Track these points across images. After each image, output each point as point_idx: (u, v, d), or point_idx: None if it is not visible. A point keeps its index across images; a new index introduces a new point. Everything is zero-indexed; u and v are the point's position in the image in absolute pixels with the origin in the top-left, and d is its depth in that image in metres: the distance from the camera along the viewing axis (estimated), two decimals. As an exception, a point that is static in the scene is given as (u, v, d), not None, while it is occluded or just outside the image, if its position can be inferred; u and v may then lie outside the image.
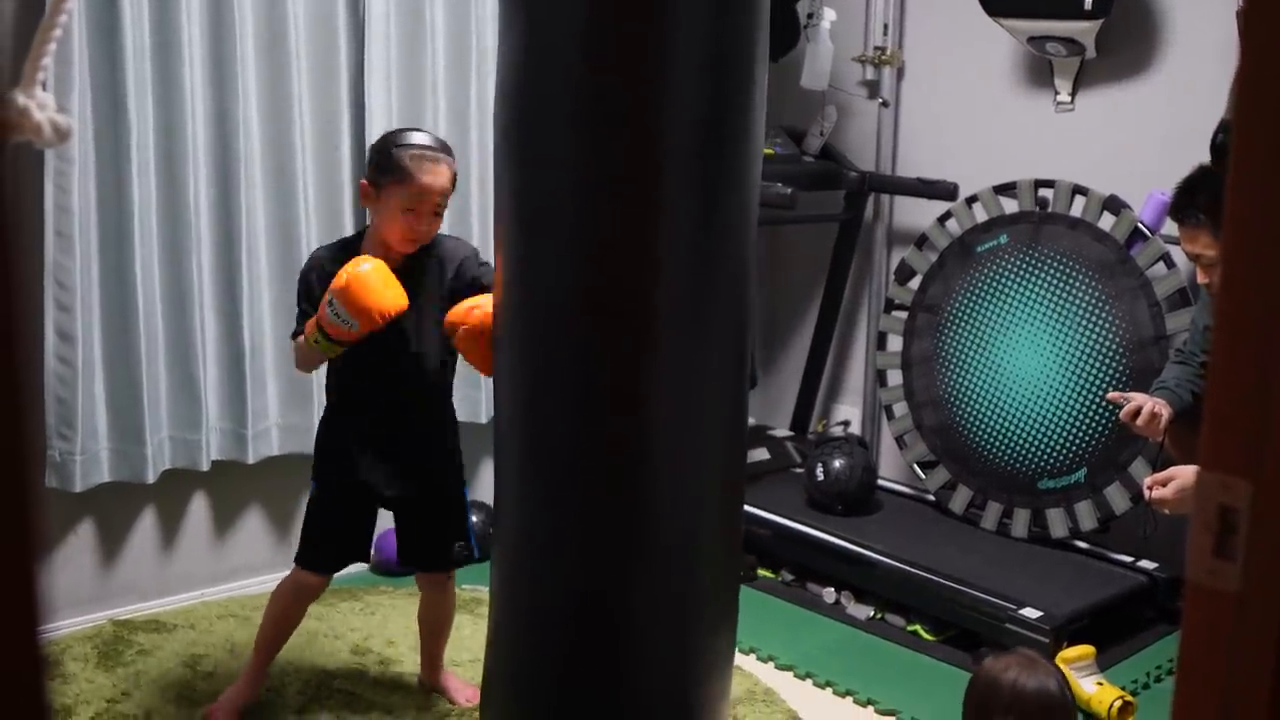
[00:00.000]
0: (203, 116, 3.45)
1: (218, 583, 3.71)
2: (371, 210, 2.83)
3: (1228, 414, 0.87)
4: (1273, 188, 0.83)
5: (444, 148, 2.82)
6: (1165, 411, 2.97)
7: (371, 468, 2.87)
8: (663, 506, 2.11)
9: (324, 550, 2.93)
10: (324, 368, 2.96)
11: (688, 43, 1.96)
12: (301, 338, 2.75)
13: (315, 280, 2.79)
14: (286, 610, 2.97)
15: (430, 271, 2.82)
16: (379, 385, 2.85)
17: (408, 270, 2.74)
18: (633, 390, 2.06)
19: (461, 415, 4.10)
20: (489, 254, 2.87)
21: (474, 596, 3.68)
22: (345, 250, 2.83)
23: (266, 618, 2.99)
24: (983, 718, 2.15)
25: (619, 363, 2.05)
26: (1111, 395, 3.10)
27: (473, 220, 3.88)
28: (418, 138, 2.80)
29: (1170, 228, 3.54)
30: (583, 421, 2.08)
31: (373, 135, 3.70)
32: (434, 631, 3.10)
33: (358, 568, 3.93)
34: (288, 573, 3.01)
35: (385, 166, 2.73)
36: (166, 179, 3.40)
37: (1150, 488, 2.74)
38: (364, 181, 2.80)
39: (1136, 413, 2.96)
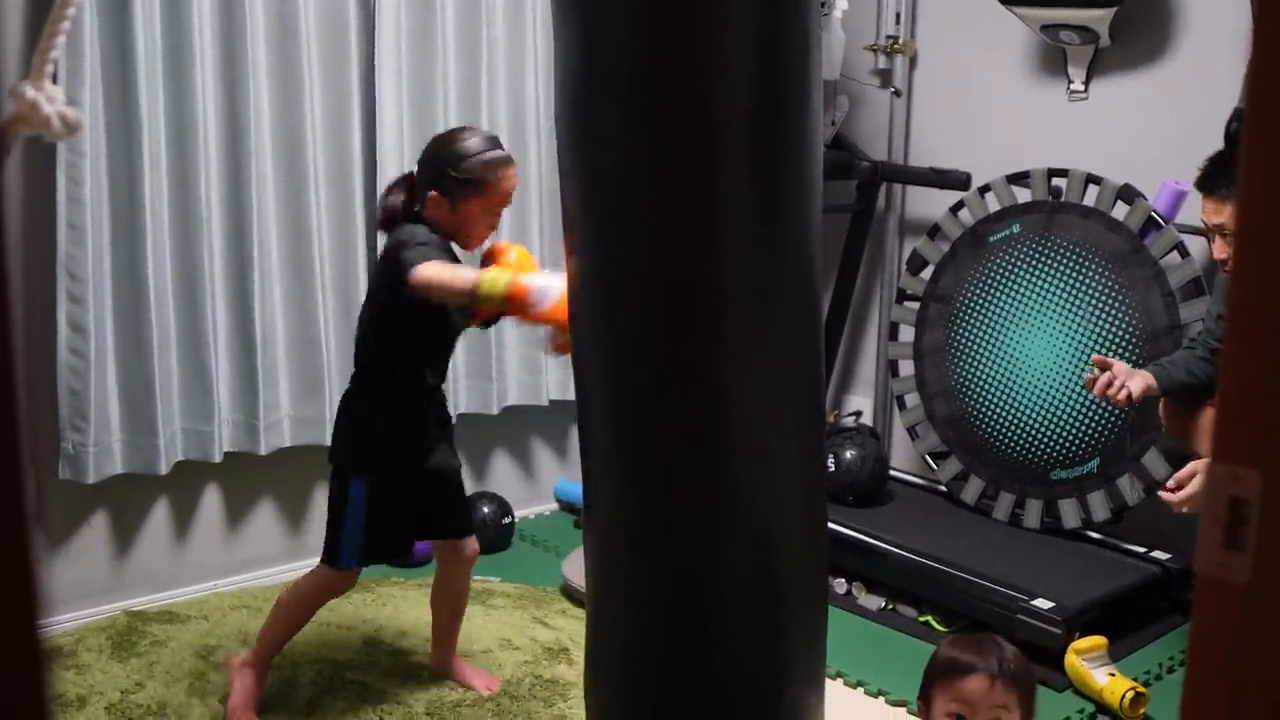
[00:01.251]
0: (214, 109, 3.46)
1: (230, 574, 3.73)
2: (441, 216, 2.77)
3: (1238, 405, 0.87)
4: (1284, 177, 0.82)
5: (499, 143, 2.84)
6: (1134, 387, 3.03)
7: (428, 450, 2.92)
8: (744, 492, 2.14)
9: (380, 545, 2.89)
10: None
11: (741, 31, 1.98)
12: (463, 275, 2.61)
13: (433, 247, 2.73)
14: (310, 611, 2.97)
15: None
16: (438, 369, 2.91)
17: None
18: (706, 378, 2.09)
19: (472, 407, 4.12)
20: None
21: (485, 587, 3.69)
22: (444, 240, 2.79)
23: (285, 619, 2.94)
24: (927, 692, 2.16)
25: (692, 352, 2.09)
26: (1096, 358, 3.14)
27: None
28: (478, 143, 2.78)
29: (1184, 216, 3.53)
30: (661, 411, 2.12)
31: (383, 128, 3.71)
32: (455, 612, 3.10)
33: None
34: (302, 565, 3.00)
35: (462, 179, 2.74)
36: (178, 171, 3.41)
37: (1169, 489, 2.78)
38: (434, 194, 2.75)
39: (1102, 383, 3.05)
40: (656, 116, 2.02)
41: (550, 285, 2.52)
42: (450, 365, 3.00)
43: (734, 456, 2.13)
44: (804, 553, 2.26)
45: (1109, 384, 3.04)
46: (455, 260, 2.77)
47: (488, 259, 2.82)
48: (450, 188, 2.75)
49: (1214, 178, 2.88)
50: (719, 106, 2.01)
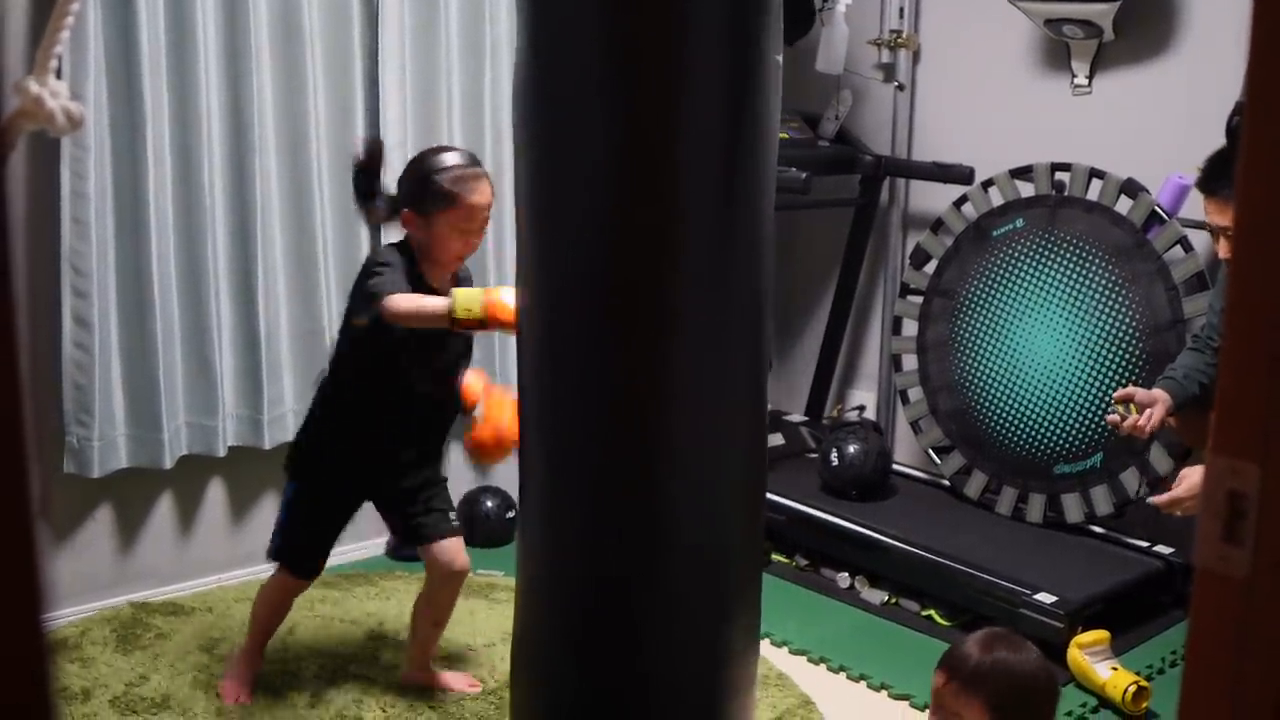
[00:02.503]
0: (218, 103, 3.46)
1: (234, 568, 3.73)
2: (418, 238, 2.78)
3: (1237, 399, 0.87)
4: (1282, 172, 0.82)
5: (475, 160, 2.85)
6: (1157, 415, 2.97)
7: (395, 470, 2.91)
8: (683, 492, 2.12)
9: (316, 558, 2.97)
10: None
11: (703, 23, 1.97)
12: (433, 302, 2.64)
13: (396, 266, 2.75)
14: (279, 609, 3.03)
15: (461, 280, 2.91)
16: (432, 390, 2.87)
17: (454, 283, 2.83)
18: (651, 377, 2.07)
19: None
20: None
21: (488, 581, 3.70)
22: (407, 261, 2.78)
23: (262, 613, 3.03)
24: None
25: (637, 350, 2.06)
26: (1118, 394, 3.08)
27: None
28: (453, 158, 2.80)
29: (1188, 211, 3.53)
30: (602, 409, 2.09)
31: (387, 124, 3.71)
32: (437, 621, 3.05)
33: (375, 553, 3.95)
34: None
35: (429, 195, 2.73)
36: (182, 166, 3.41)
37: (1160, 484, 2.74)
38: (406, 211, 2.77)
39: (1130, 424, 2.99)
40: (611, 102, 2.00)
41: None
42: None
43: (671, 452, 2.10)
44: (740, 552, 2.23)
45: (1135, 425, 2.97)
46: (416, 283, 2.75)
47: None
48: (420, 204, 2.75)
49: (1217, 178, 2.87)
50: (678, 93, 1.98)
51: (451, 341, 2.82)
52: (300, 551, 2.94)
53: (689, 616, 2.16)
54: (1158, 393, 3.01)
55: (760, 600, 2.34)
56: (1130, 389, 3.05)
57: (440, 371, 2.86)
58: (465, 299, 2.56)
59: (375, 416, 2.85)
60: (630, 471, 2.10)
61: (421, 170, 2.79)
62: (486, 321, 2.55)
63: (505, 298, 2.51)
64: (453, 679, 3.09)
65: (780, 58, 2.11)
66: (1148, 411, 2.96)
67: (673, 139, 1.99)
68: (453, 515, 2.99)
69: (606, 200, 2.02)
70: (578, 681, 2.20)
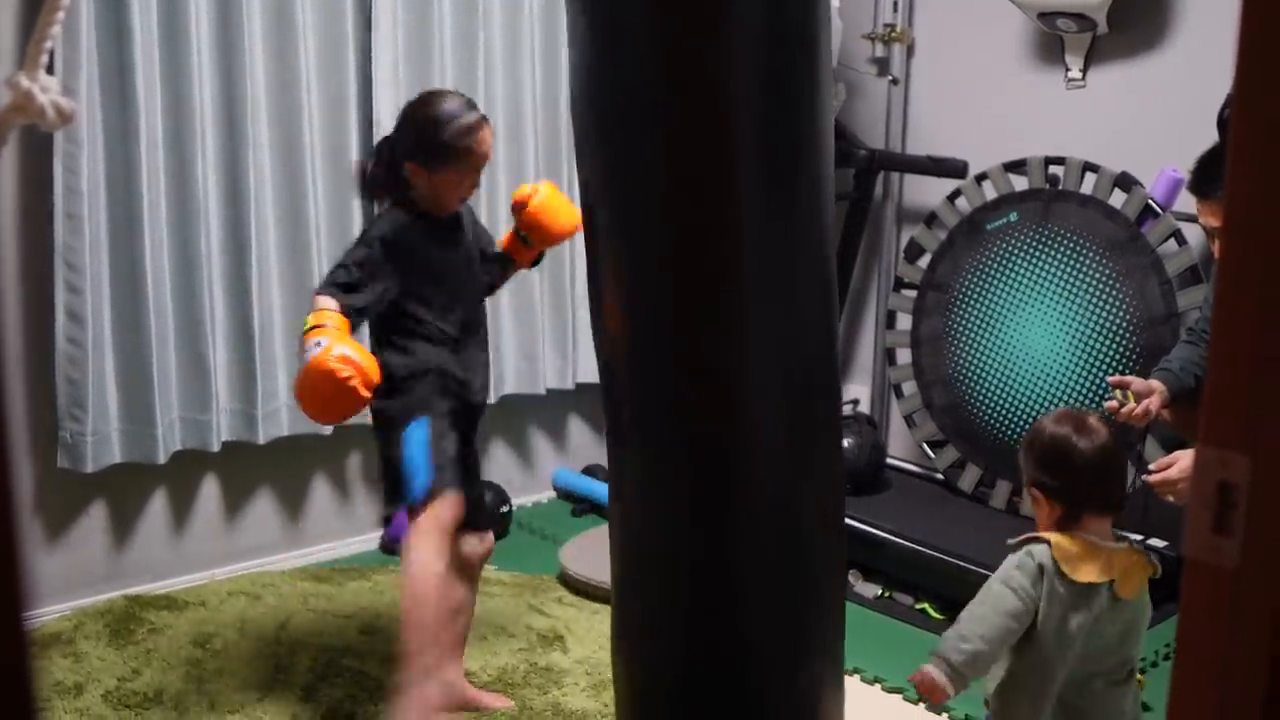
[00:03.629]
0: (210, 97, 3.45)
1: (229, 563, 3.73)
2: (420, 184, 2.77)
3: (1227, 390, 0.87)
4: (1271, 164, 0.82)
5: (473, 105, 2.83)
6: (1154, 405, 2.96)
7: (461, 413, 2.84)
8: (760, 467, 2.16)
9: (454, 470, 2.76)
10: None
11: (752, 18, 2.01)
12: (319, 303, 2.65)
13: (391, 247, 2.72)
14: (447, 573, 2.72)
15: (466, 222, 2.94)
16: (455, 325, 2.83)
17: (456, 225, 2.88)
18: (721, 369, 2.12)
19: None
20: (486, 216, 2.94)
21: (494, 578, 3.70)
22: (415, 217, 2.77)
23: (435, 604, 2.66)
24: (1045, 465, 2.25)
25: (708, 343, 2.11)
26: (1111, 379, 3.07)
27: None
28: (453, 106, 2.77)
29: (1182, 204, 3.53)
30: (681, 395, 2.14)
31: (380, 114, 3.71)
32: (462, 623, 2.95)
33: (368, 547, 3.96)
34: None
35: (439, 150, 2.72)
36: (175, 160, 3.41)
37: (1153, 473, 2.73)
38: (409, 164, 2.74)
39: (1128, 411, 2.97)
40: (669, 109, 2.04)
41: (312, 356, 2.51)
42: (481, 342, 2.92)
43: (750, 448, 2.15)
44: (822, 541, 2.27)
45: (1132, 413, 2.94)
46: (421, 230, 2.77)
47: (516, 208, 2.98)
48: (426, 158, 2.74)
49: (1208, 180, 2.87)
50: (731, 97, 2.03)
51: (449, 275, 2.83)
52: (446, 467, 2.71)
53: (779, 603, 2.20)
54: (1154, 383, 3.01)
55: (846, 570, 2.39)
56: (1126, 377, 3.05)
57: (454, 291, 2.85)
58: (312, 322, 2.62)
59: (425, 341, 2.80)
60: (713, 450, 2.14)
61: (424, 122, 2.76)
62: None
63: (307, 348, 2.54)
64: (478, 694, 2.99)
65: (830, 41, 2.15)
66: (1145, 401, 2.96)
67: (729, 125, 2.03)
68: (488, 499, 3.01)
69: (668, 188, 2.07)
70: (683, 648, 2.23)
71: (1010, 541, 2.26)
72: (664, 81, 2.05)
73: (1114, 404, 2.96)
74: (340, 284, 2.69)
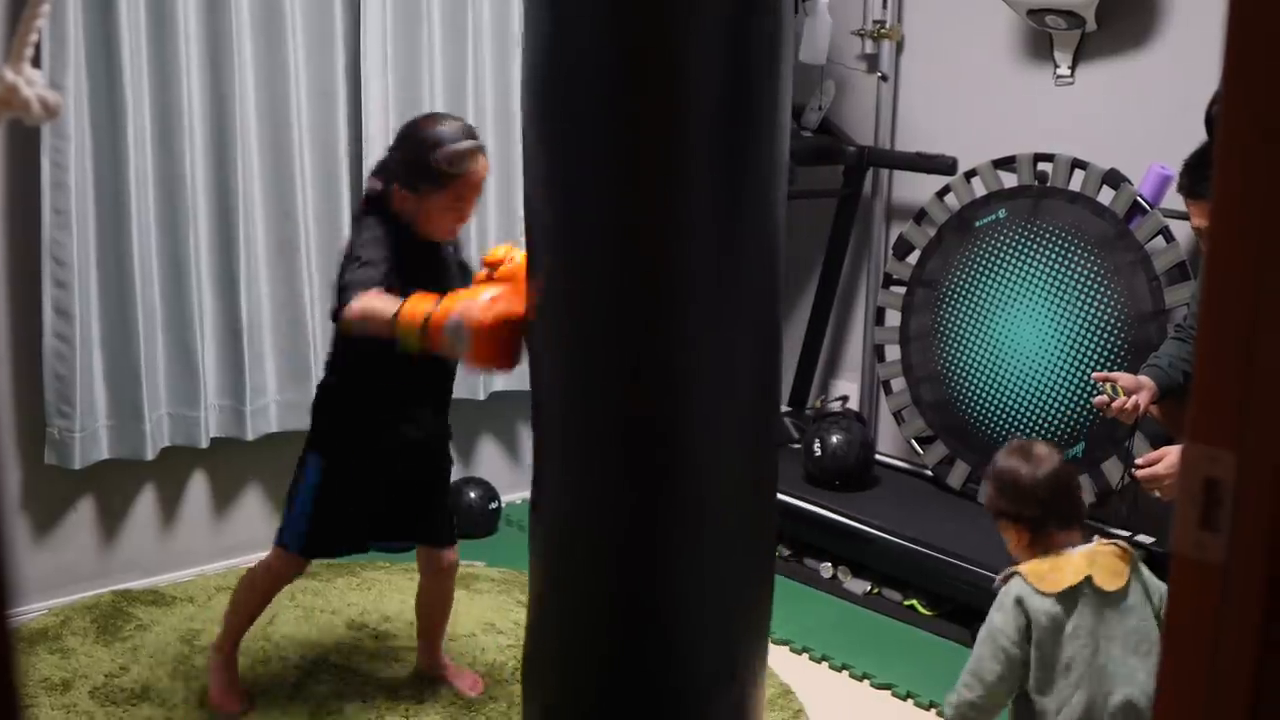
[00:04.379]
0: (199, 92, 3.44)
1: (217, 559, 3.72)
2: (408, 210, 2.69)
3: (1213, 387, 0.87)
4: (1259, 162, 0.83)
5: (472, 132, 2.75)
6: (1143, 400, 2.95)
7: (403, 452, 2.82)
8: (698, 477, 2.14)
9: (328, 540, 2.84)
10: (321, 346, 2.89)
11: (711, 21, 1.98)
12: (381, 306, 2.49)
13: (377, 256, 2.62)
14: (261, 594, 2.91)
15: (448, 256, 2.85)
16: (421, 369, 2.75)
17: (439, 254, 2.77)
18: (665, 363, 2.09)
19: (460, 392, 4.11)
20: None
21: (470, 572, 3.70)
22: (400, 235, 2.67)
23: (240, 602, 2.91)
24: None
25: (651, 336, 2.08)
26: (1097, 375, 3.06)
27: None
28: (449, 132, 2.69)
29: (1170, 201, 3.53)
30: (618, 393, 2.12)
31: (370, 109, 3.70)
32: (440, 615, 3.06)
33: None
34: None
35: (428, 174, 2.64)
36: (163, 155, 3.39)
37: (1141, 467, 2.73)
38: (396, 186, 2.67)
39: (1119, 406, 2.95)
40: (623, 103, 2.01)
41: (470, 314, 2.37)
42: (450, 380, 2.91)
43: (686, 436, 2.12)
44: (752, 532, 2.25)
45: (1122, 408, 2.93)
46: (408, 250, 2.67)
47: (487, 265, 2.70)
48: (415, 181, 2.65)
49: (1197, 180, 2.86)
50: (686, 94, 2.00)
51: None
52: (320, 533, 2.79)
53: (710, 598, 2.18)
54: (1143, 379, 3.00)
55: (773, 586, 2.36)
56: (1116, 375, 3.03)
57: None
58: (408, 316, 2.43)
59: (382, 376, 2.75)
60: (649, 456, 2.12)
61: (416, 144, 2.68)
62: (429, 344, 2.42)
63: (451, 318, 2.38)
64: (456, 674, 3.07)
65: (790, 45, 2.12)
66: (1134, 396, 2.95)
67: (682, 127, 2.00)
68: (453, 520, 3.02)
69: (618, 186, 2.04)
70: (586, 681, 2.22)
71: (995, 584, 2.40)
72: (618, 76, 2.01)
73: (1103, 399, 2.95)
74: (376, 281, 2.57)
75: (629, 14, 1.99)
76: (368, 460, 2.79)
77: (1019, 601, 2.29)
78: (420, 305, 2.43)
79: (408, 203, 2.68)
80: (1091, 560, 2.29)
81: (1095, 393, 3.03)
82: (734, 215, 2.07)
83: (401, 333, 2.45)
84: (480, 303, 2.39)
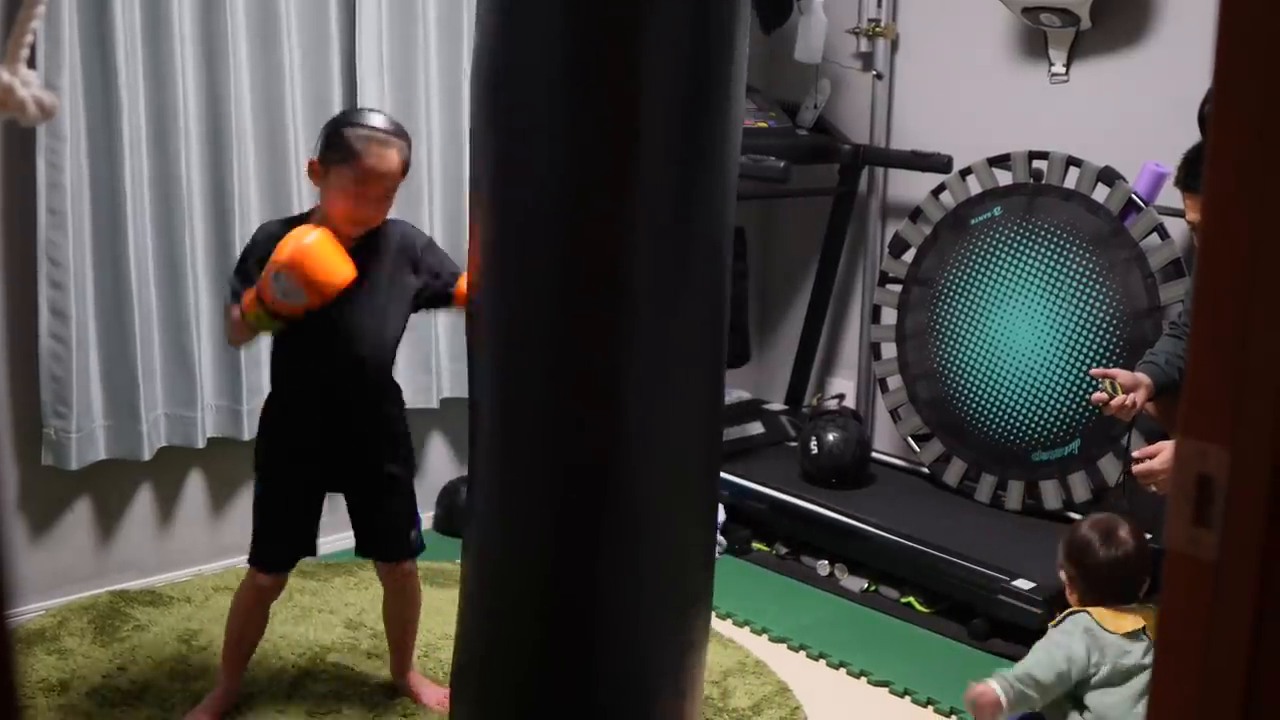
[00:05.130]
0: (194, 91, 3.44)
1: (214, 559, 3.72)
2: (319, 189, 2.69)
3: (1206, 383, 0.88)
4: (1250, 160, 0.83)
5: (398, 132, 2.69)
6: (1140, 398, 2.95)
7: (320, 454, 2.77)
8: (635, 484, 2.11)
9: (277, 547, 2.81)
10: (266, 349, 2.87)
11: (669, 11, 1.96)
12: (236, 308, 2.59)
13: (262, 249, 2.61)
14: (250, 617, 2.86)
15: (382, 249, 2.73)
16: (328, 366, 2.72)
17: (358, 247, 2.65)
18: (606, 364, 2.06)
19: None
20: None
21: (437, 569, 3.68)
22: (295, 224, 2.68)
23: (232, 632, 2.87)
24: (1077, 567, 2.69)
25: (593, 336, 2.05)
26: (1095, 371, 3.06)
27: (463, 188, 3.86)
28: (372, 119, 2.68)
29: (1165, 198, 3.54)
30: (556, 396, 2.09)
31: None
32: (402, 627, 2.98)
33: (353, 543, 3.94)
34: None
35: (333, 145, 2.62)
36: (159, 155, 3.39)
37: (1138, 461, 2.74)
38: (311, 160, 2.68)
39: (1118, 405, 2.94)
40: (573, 85, 1.99)
41: (277, 259, 2.44)
42: (380, 373, 2.81)
43: (625, 442, 2.09)
44: (692, 543, 2.22)
45: (1121, 405, 2.91)
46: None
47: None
48: (322, 153, 2.64)
49: (1195, 175, 2.86)
50: (641, 91, 1.97)
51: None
52: (267, 542, 2.80)
53: (645, 608, 2.16)
54: (1140, 376, 3.01)
55: (711, 596, 2.34)
56: (1114, 371, 3.02)
57: (335, 323, 2.67)
58: (250, 300, 2.52)
59: (292, 372, 2.75)
60: (586, 459, 2.10)
61: (336, 122, 2.69)
62: (301, 283, 2.44)
63: (306, 242, 2.44)
64: (420, 686, 3.01)
65: (746, 44, 2.10)
66: (1131, 395, 2.95)
67: (634, 123, 1.98)
68: (413, 534, 2.89)
69: (567, 183, 2.02)
70: (518, 691, 2.20)
71: (1053, 622, 2.70)
72: (571, 72, 1.98)
73: (1102, 396, 2.96)
74: (235, 293, 2.64)
75: (581, 8, 1.97)
76: (285, 467, 2.78)
77: (1087, 630, 2.58)
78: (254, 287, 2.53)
79: (317, 178, 2.67)
80: (1146, 618, 2.57)
81: (1093, 389, 3.04)
82: (684, 223, 2.04)
83: (252, 320, 2.54)
84: (284, 246, 2.47)
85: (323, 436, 2.76)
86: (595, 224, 2.01)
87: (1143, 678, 2.53)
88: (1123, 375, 2.99)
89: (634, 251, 2.02)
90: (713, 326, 2.15)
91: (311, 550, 2.86)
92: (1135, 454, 2.77)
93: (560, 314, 2.06)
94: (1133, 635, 2.57)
